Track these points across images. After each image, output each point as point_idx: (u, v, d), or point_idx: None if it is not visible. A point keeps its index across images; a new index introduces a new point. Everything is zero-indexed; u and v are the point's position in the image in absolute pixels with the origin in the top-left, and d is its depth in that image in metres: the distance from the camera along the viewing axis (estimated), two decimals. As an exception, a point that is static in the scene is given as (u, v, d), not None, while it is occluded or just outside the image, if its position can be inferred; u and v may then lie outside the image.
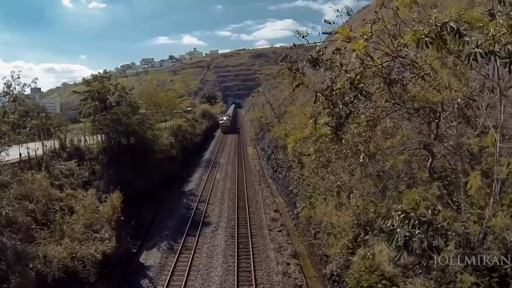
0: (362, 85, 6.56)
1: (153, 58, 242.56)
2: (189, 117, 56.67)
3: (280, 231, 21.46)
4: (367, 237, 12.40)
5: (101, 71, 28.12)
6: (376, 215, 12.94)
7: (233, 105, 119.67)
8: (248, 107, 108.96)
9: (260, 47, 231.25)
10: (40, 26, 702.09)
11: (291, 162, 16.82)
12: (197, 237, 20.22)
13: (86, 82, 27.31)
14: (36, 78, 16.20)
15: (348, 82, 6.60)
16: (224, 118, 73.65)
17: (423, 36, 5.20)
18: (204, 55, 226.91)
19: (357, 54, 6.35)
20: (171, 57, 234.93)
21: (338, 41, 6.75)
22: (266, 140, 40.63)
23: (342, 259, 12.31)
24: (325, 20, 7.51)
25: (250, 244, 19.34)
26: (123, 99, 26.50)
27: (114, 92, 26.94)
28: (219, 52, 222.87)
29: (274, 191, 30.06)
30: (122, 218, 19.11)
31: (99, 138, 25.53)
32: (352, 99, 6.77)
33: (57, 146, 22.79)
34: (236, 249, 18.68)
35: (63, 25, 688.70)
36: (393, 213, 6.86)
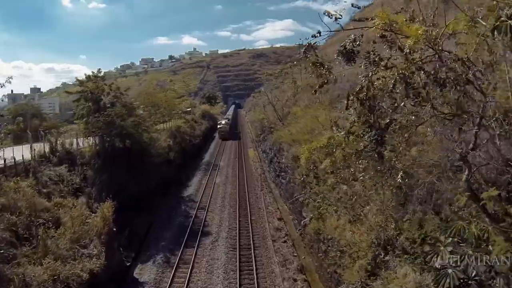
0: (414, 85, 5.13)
1: (152, 58, 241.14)
2: (189, 118, 55.18)
3: (285, 241, 20.00)
4: (387, 257, 10.97)
5: (95, 70, 26.29)
6: (398, 233, 11.54)
7: (233, 106, 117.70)
8: (249, 108, 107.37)
9: (260, 47, 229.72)
10: (40, 26, 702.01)
11: (305, 176, 14.96)
12: (195, 249, 18.75)
13: (79, 82, 25.79)
14: (11, 77, 14.74)
15: (401, 80, 5.10)
16: (223, 122, 64.13)
17: (503, 19, 3.81)
18: (204, 55, 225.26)
19: (413, 42, 4.89)
20: (170, 57, 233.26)
21: (372, 29, 5.29)
22: (268, 142, 39.14)
23: (360, 283, 10.85)
24: (352, 5, 6.06)
25: (253, 257, 17.88)
26: (118, 100, 25.01)
27: (109, 93, 25.47)
28: (219, 52, 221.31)
29: (277, 196, 28.61)
30: (115, 229, 17.69)
31: (92, 141, 24.10)
32: (398, 104, 5.29)
33: (47, 150, 21.40)
34: (238, 263, 17.23)
35: (63, 25, 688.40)
36: (442, 248, 5.47)
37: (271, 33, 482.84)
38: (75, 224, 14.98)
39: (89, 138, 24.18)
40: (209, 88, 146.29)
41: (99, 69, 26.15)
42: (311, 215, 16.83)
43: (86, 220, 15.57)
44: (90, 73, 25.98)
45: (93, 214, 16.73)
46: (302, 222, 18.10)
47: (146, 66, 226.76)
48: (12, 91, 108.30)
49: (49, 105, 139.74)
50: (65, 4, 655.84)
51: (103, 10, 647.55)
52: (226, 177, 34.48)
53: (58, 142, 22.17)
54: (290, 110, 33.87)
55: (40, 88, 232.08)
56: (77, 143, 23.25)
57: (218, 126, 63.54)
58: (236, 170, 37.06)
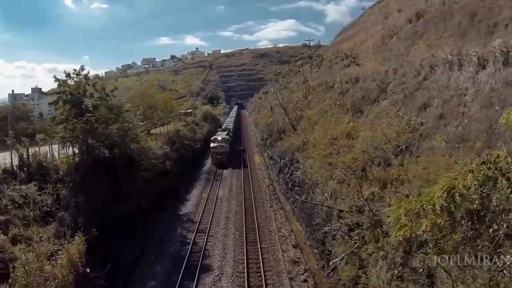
0: None
1: (154, 58, 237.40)
2: (189, 120, 51.39)
3: (305, 280, 16.02)
4: None
5: (77, 67, 22.18)
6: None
7: (236, 107, 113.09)
8: (252, 108, 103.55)
9: (263, 47, 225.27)
10: (43, 26, 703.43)
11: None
12: (193, 292, 14.80)
13: (58, 81, 21.77)
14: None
15: None
16: (219, 138, 41.77)
17: None
18: (206, 54, 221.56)
19: None
20: (172, 57, 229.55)
21: None
22: (276, 149, 35.13)
23: None
24: None
25: (267, 307, 13.94)
26: (103, 103, 21.07)
27: (93, 94, 21.55)
28: (222, 52, 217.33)
29: (289, 213, 24.62)
30: (89, 269, 13.82)
31: (71, 152, 20.27)
32: None
33: (15, 162, 17.60)
34: (247, 316, 13.28)
35: (65, 26, 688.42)
36: None
37: (274, 33, 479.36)
38: (29, 273, 11.10)
39: (67, 147, 20.37)
40: (211, 88, 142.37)
41: (82, 66, 22.10)
42: (344, 255, 12.83)
43: (44, 267, 11.62)
44: (72, 71, 21.96)
45: (60, 254, 12.82)
46: (331, 262, 14.07)
47: (147, 66, 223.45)
48: (13, 91, 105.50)
49: (49, 105, 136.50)
50: (68, 4, 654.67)
51: (105, 10, 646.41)
52: (230, 189, 30.49)
53: (29, 153, 18.32)
54: (302, 114, 29.84)
55: (41, 88, 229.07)
56: (52, 154, 19.37)
57: (211, 145, 41.28)
58: (241, 180, 33.12)
